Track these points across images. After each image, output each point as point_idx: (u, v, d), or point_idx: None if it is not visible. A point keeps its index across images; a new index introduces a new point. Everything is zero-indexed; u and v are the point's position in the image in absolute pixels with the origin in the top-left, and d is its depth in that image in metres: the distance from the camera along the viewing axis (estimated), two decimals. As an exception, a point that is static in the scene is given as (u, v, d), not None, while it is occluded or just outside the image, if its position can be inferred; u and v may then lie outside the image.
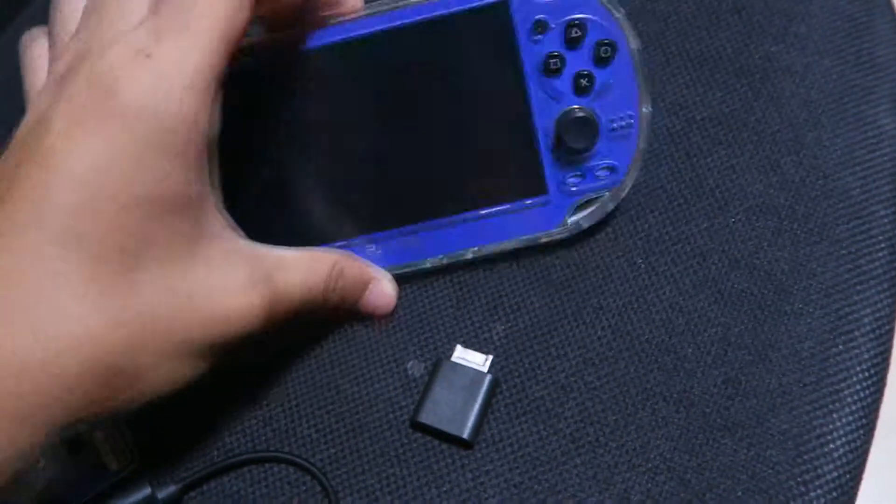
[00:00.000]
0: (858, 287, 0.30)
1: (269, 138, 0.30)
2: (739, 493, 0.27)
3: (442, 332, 0.31)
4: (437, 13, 0.27)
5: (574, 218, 0.30)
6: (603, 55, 0.27)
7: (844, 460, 0.27)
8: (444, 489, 0.29)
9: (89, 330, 0.22)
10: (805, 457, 0.27)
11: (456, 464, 0.29)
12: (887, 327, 0.29)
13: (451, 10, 0.27)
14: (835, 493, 0.27)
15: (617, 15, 0.27)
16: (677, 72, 0.35)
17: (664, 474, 0.28)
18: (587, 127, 0.28)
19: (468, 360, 0.30)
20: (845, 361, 0.29)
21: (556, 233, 0.30)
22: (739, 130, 0.33)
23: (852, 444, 0.28)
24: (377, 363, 0.31)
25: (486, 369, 0.30)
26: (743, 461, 0.28)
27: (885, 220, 0.31)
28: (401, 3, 0.28)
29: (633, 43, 0.27)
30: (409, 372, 0.31)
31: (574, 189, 0.30)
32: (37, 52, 0.27)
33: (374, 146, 0.30)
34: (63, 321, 0.21)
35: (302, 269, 0.27)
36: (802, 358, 0.29)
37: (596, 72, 0.28)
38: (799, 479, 0.27)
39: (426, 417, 0.29)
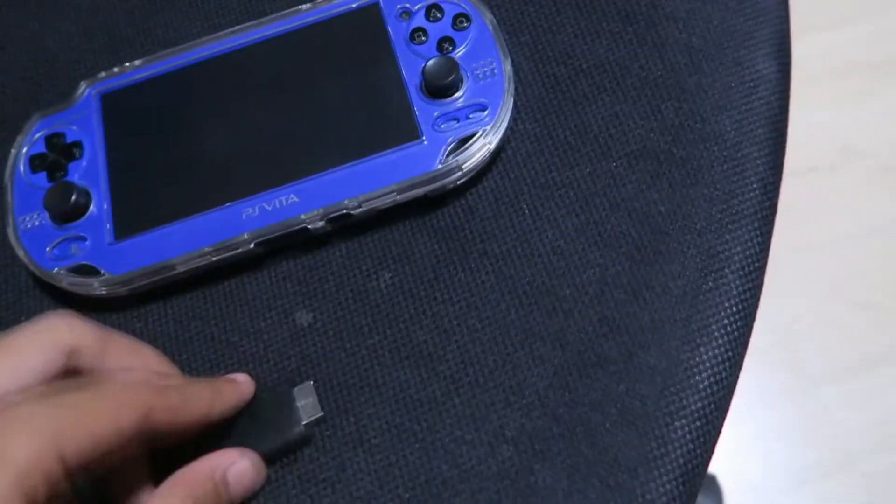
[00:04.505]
0: (730, 226, 0.31)
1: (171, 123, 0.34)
2: (608, 426, 0.28)
3: (331, 282, 0.32)
4: (323, 16, 0.35)
5: (452, 157, 0.31)
6: (460, 25, 0.33)
7: (709, 391, 0.28)
8: (328, 433, 0.29)
9: None
10: (671, 388, 0.28)
11: (340, 408, 0.30)
12: (757, 264, 0.30)
13: (333, 12, 0.35)
14: (698, 423, 0.28)
15: None
16: (566, 21, 0.35)
17: (538, 410, 0.28)
18: (447, 64, 0.32)
19: None
20: (715, 298, 0.30)
21: (436, 174, 0.31)
22: (624, 77, 0.34)
23: (718, 377, 0.28)
24: (267, 316, 0.32)
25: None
26: (613, 395, 0.28)
27: (758, 162, 0.32)
28: (303, 8, 0.35)
29: (487, 17, 0.33)
30: (297, 321, 0.31)
31: (447, 130, 0.32)
32: None
33: (265, 120, 0.33)
34: None
35: None
36: (674, 296, 0.30)
37: (456, 36, 0.33)
38: (665, 411, 0.28)
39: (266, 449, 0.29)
